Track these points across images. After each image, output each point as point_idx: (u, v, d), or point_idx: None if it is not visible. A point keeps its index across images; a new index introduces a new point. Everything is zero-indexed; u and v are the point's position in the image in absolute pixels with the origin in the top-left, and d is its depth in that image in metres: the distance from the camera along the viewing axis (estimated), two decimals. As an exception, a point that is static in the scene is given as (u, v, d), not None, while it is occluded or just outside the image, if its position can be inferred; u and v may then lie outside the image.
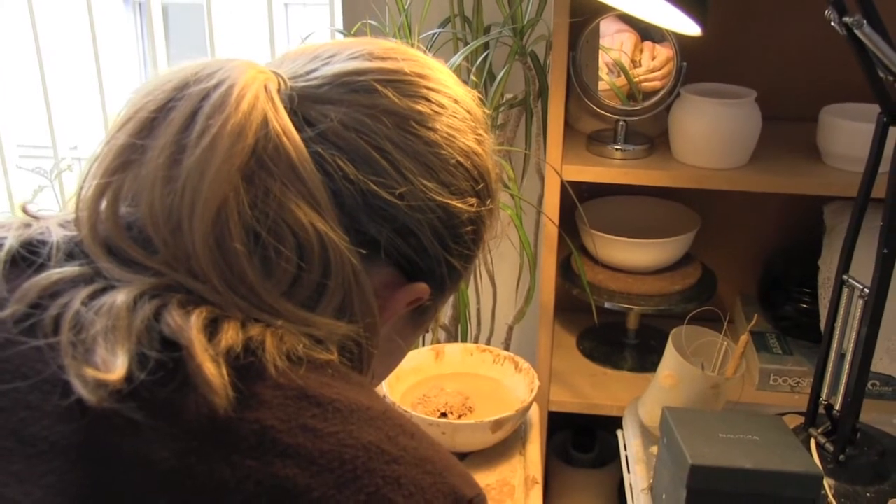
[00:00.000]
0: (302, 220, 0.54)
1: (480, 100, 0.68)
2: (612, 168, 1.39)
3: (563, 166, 1.37)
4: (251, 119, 0.54)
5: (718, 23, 1.47)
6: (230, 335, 0.49)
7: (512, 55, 1.42)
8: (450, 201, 0.61)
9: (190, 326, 0.48)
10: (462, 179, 0.62)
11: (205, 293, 0.51)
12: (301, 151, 0.55)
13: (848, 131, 1.34)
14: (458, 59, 1.33)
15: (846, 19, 0.93)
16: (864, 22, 0.93)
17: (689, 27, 0.98)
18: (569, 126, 1.54)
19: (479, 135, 0.65)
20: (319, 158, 0.56)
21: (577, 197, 1.40)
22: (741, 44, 1.53)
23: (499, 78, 1.40)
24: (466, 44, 1.40)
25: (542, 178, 1.52)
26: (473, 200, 0.63)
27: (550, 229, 1.40)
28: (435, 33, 1.46)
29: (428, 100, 0.61)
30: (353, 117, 0.58)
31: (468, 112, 0.64)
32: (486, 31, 1.47)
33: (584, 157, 1.43)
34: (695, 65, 1.40)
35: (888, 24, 0.92)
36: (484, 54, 1.43)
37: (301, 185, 0.55)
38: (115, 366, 0.46)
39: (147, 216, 0.52)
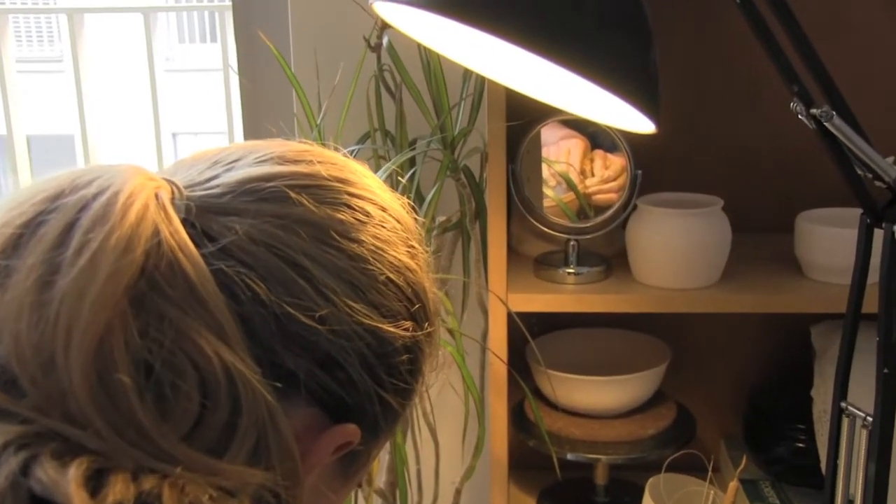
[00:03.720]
0: (204, 350, 0.53)
1: (412, 207, 0.69)
2: (565, 294, 1.41)
3: (508, 295, 1.38)
4: (139, 232, 0.53)
5: (675, 123, 1.53)
6: (118, 489, 0.47)
7: (442, 171, 1.45)
8: (380, 325, 0.61)
9: (67, 481, 0.46)
10: (394, 299, 0.63)
11: (85, 440, 0.49)
12: (201, 269, 0.55)
13: (829, 238, 1.38)
14: (380, 176, 1.35)
15: (814, 111, 0.97)
16: (834, 114, 0.97)
17: (641, 124, 1.01)
18: (512, 250, 1.56)
19: (412, 247, 0.66)
20: (223, 277, 0.56)
21: (527, 330, 1.40)
22: (701, 147, 1.60)
23: (428, 198, 1.42)
24: (390, 160, 1.42)
25: (485, 311, 1.53)
26: (408, 324, 0.63)
27: (498, 369, 1.40)
28: (353, 150, 1.48)
29: (350, 207, 0.62)
30: (261, 229, 0.58)
31: (398, 221, 0.65)
32: (412, 144, 1.51)
33: (533, 284, 1.44)
34: (651, 173, 1.45)
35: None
36: (410, 171, 1.46)
37: (202, 309, 0.54)
38: None
39: (12, 351, 0.51)
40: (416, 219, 0.68)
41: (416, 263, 0.65)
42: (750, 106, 1.58)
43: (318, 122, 1.45)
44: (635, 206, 1.44)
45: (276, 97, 1.65)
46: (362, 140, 1.55)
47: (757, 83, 1.55)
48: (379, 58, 1.51)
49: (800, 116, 0.98)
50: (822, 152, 0.98)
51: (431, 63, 1.47)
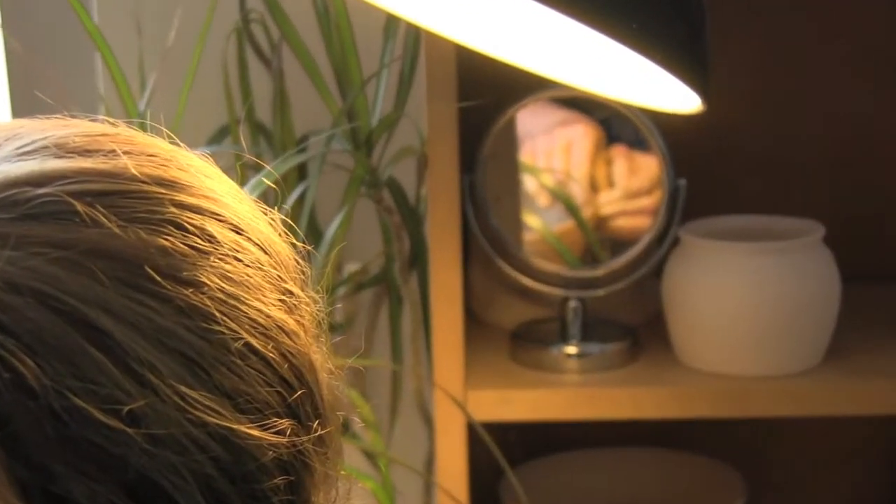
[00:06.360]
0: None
1: (290, 229, 0.69)
2: (564, 391, 1.41)
3: (468, 394, 1.38)
4: None
5: (735, 106, 1.55)
6: None
7: (353, 188, 1.45)
8: (235, 426, 0.60)
9: None
10: (258, 382, 0.62)
11: None
12: None
13: None
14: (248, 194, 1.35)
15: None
16: None
17: (680, 100, 1.02)
18: (473, 317, 1.56)
19: (288, 293, 0.65)
20: None
21: (502, 452, 1.40)
22: (780, 142, 1.61)
23: (330, 231, 1.42)
24: (260, 170, 1.42)
25: (428, 421, 1.52)
26: (284, 423, 0.62)
27: (454, 519, 1.39)
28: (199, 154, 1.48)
29: (181, 227, 0.62)
30: (28, 267, 0.57)
31: (263, 250, 0.65)
32: (301, 143, 1.51)
33: (508, 375, 1.45)
34: (700, 184, 1.46)
35: None
36: (299, 188, 1.45)
37: None
38: None
39: None
40: (294, 245, 0.68)
41: (297, 321, 0.64)
42: (856, 75, 1.61)
43: (142, 107, 1.45)
44: (677, 240, 1.45)
45: (69, 68, 1.65)
46: (218, 138, 1.55)
47: (867, 42, 1.57)
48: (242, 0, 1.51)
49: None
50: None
51: (331, 7, 1.48)
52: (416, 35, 1.48)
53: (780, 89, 1.61)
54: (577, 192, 1.48)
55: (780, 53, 1.60)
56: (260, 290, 0.63)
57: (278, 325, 0.63)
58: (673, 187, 1.45)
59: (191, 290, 0.61)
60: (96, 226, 0.60)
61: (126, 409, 0.57)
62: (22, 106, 1.64)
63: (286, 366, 0.63)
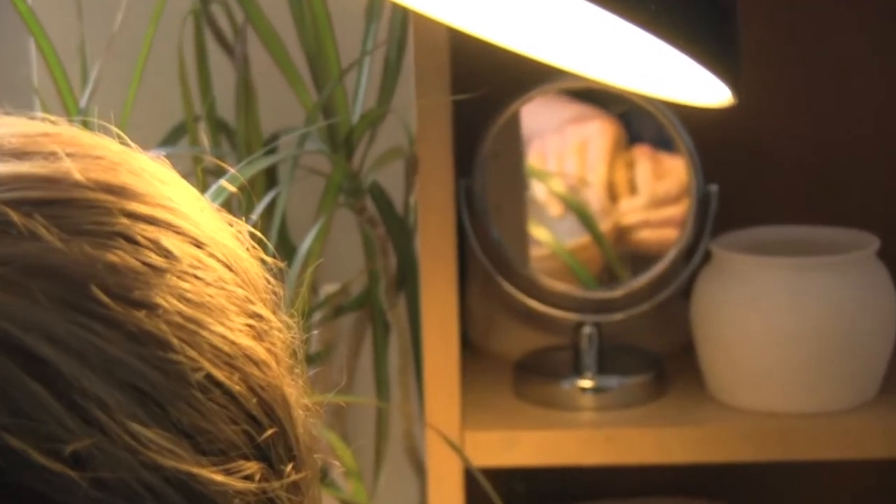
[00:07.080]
0: None
1: (257, 244, 0.69)
2: (577, 432, 1.40)
3: (465, 436, 1.38)
4: None
5: (773, 101, 1.55)
6: None
7: (330, 195, 1.45)
8: (196, 470, 0.60)
9: None
10: (222, 419, 0.61)
11: None
12: None
13: None
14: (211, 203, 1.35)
15: None
16: None
17: (708, 92, 1.03)
18: (471, 346, 1.56)
19: (257, 317, 0.65)
20: None
21: (505, 503, 1.40)
22: (823, 142, 1.61)
23: (304, 247, 1.42)
24: (222, 175, 1.42)
25: (418, 467, 1.52)
26: (252, 466, 0.62)
27: (449, 582, 1.39)
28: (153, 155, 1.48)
29: (132, 241, 0.61)
30: None
31: (228, 267, 0.65)
32: (270, 143, 1.51)
33: (512, 413, 1.44)
34: (734, 191, 1.46)
35: None
36: (268, 196, 1.45)
37: None
38: None
39: None
40: (263, 261, 0.68)
41: (267, 349, 0.64)
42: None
43: (83, 102, 1.44)
44: (708, 255, 1.45)
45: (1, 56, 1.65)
46: (173, 137, 1.55)
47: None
48: (201, -22, 1.52)
49: None
50: None
51: (304, -15, 1.48)
52: (402, 17, 1.47)
53: (825, 83, 1.60)
54: (593, 199, 1.48)
55: (823, 42, 1.59)
56: (224, 312, 0.63)
57: (245, 354, 0.63)
58: (703, 194, 1.45)
59: (144, 312, 0.60)
60: (35, 239, 0.59)
61: (69, 449, 0.57)
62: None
63: (254, 400, 0.63)
